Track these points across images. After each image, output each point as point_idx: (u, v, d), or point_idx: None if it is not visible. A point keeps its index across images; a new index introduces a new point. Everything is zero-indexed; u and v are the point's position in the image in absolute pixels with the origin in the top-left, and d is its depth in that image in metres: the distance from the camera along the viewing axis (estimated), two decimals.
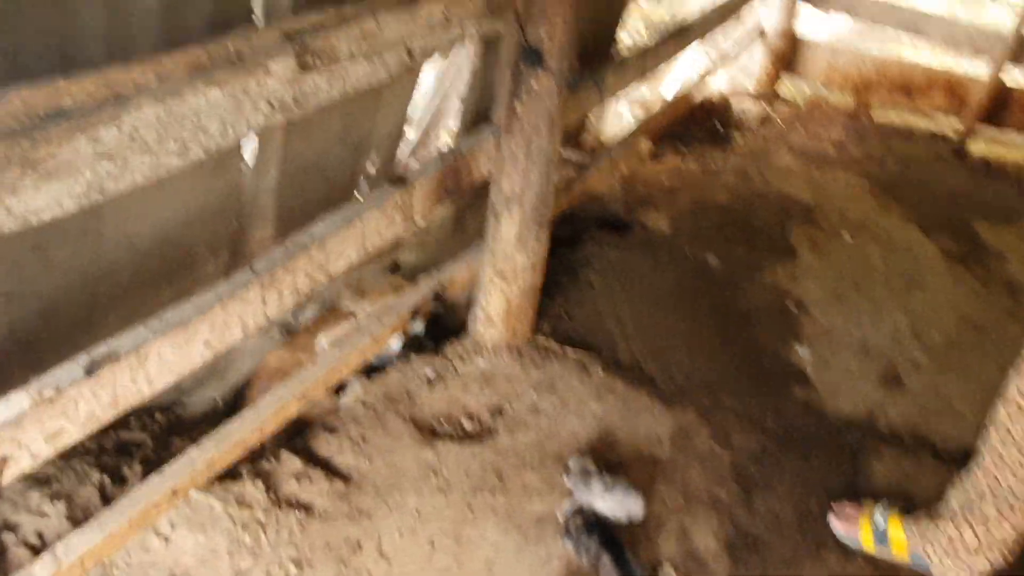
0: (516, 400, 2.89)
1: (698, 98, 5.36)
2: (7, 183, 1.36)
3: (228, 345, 1.96)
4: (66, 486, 2.20)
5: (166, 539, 2.15)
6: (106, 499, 2.22)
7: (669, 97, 5.26)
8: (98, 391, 1.69)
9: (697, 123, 5.30)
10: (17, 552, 2.03)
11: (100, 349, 1.70)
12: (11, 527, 2.09)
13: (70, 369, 1.65)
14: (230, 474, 2.37)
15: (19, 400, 1.57)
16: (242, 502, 2.30)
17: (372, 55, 2.06)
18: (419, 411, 2.82)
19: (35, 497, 2.14)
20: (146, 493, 2.06)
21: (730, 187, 4.45)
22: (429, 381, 2.93)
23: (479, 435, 2.76)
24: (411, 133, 3.74)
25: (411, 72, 2.82)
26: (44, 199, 1.43)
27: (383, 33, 2.06)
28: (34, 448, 1.61)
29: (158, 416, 2.59)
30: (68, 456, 2.29)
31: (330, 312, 3.24)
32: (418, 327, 3.28)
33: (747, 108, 5.43)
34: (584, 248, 3.76)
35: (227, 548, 2.20)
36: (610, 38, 4.09)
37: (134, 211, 2.09)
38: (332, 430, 2.69)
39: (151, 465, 2.27)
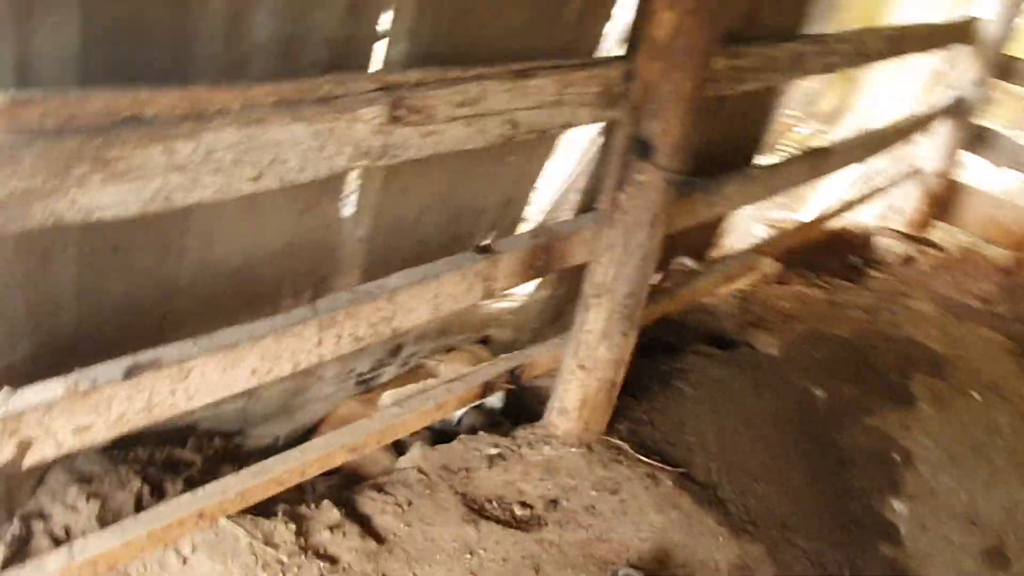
0: (574, 495, 2.77)
1: (838, 227, 5.16)
2: (76, 176, 1.43)
3: (274, 378, 1.97)
4: (105, 488, 2.25)
5: (184, 560, 2.15)
6: (140, 509, 2.25)
7: (806, 220, 5.09)
8: (134, 395, 1.72)
9: (832, 252, 5.09)
10: (41, 542, 2.08)
11: (145, 355, 1.75)
12: (43, 516, 2.15)
13: (110, 369, 1.70)
14: (265, 510, 2.36)
15: (54, 388, 1.62)
16: (269, 540, 2.27)
17: (473, 121, 2.09)
18: (473, 488, 2.75)
19: (73, 492, 2.19)
20: (173, 510, 2.07)
21: (854, 322, 4.21)
22: (491, 459, 2.86)
23: (527, 524, 2.65)
24: (536, 212, 3.76)
25: (533, 150, 2.84)
26: (110, 197, 1.49)
27: (486, 101, 2.08)
28: (60, 437, 1.65)
29: (216, 441, 2.63)
30: (116, 461, 2.34)
31: (412, 372, 3.24)
32: (496, 402, 3.23)
33: (890, 246, 5.18)
34: (683, 358, 3.62)
35: None
36: (746, 156, 4.01)
37: (222, 235, 2.17)
38: (380, 489, 2.64)
39: (194, 486, 2.29)
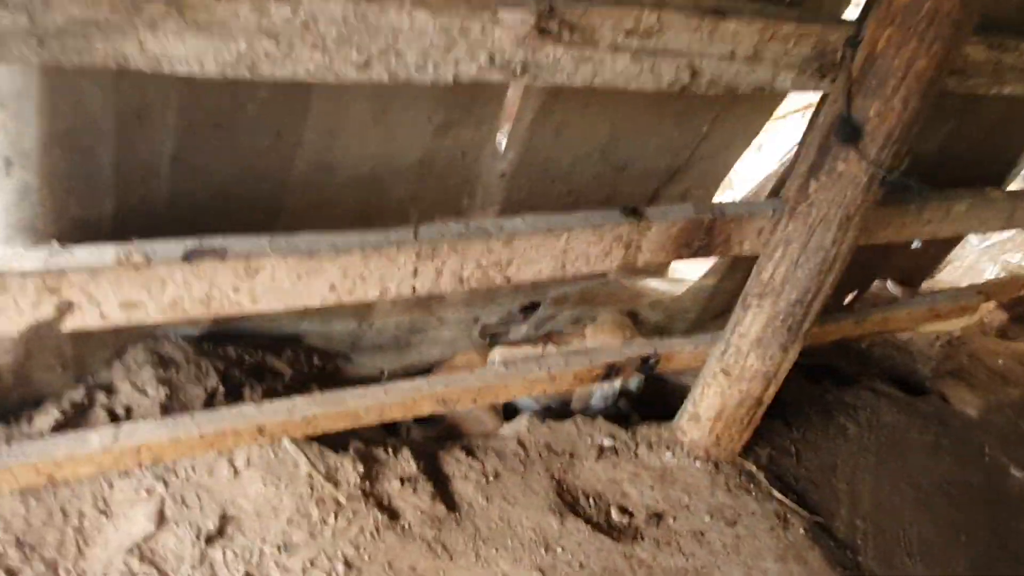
0: (683, 515, 2.41)
1: None
2: (147, 16, 1.25)
3: (356, 300, 1.76)
4: (181, 377, 2.15)
5: (236, 472, 2.01)
6: (210, 407, 2.13)
7: None
8: (191, 281, 1.56)
9: None
10: (98, 414, 2.00)
11: (211, 241, 1.57)
12: (110, 389, 2.07)
13: (170, 247, 1.54)
14: (338, 443, 2.18)
15: (104, 253, 1.48)
16: (332, 476, 2.09)
17: (642, 57, 1.76)
18: (572, 476, 2.45)
19: (147, 374, 2.10)
20: (230, 417, 1.93)
21: None
22: (601, 451, 2.55)
23: (620, 533, 2.33)
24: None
25: (720, 119, 2.45)
26: (184, 49, 1.31)
27: (663, 35, 1.74)
28: (105, 308, 1.51)
29: (316, 359, 2.48)
30: (203, 353, 2.23)
31: (549, 335, 2.97)
32: (634, 384, 2.90)
33: None
34: (856, 392, 3.13)
35: (290, 512, 2.00)
36: (994, 179, 3.37)
37: (345, 136, 1.97)
38: (471, 452, 2.41)
39: (273, 399, 2.14)
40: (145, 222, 1.89)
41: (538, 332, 2.95)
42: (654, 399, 3.08)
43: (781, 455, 2.74)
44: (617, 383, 2.85)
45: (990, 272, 4.51)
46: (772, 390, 2.48)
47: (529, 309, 2.82)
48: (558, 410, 2.86)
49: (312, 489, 2.06)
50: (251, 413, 1.96)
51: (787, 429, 2.83)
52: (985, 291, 3.52)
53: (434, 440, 2.49)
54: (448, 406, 2.22)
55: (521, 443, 2.50)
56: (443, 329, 2.72)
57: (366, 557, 2.00)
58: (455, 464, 2.34)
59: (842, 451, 2.82)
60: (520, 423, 2.59)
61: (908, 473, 2.81)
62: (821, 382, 3.13)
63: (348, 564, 1.97)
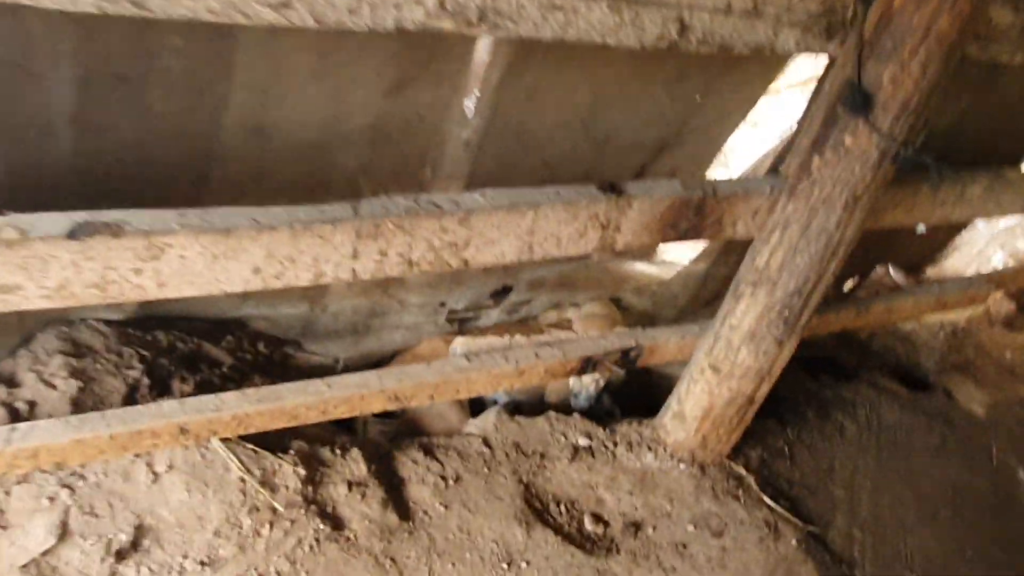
0: (665, 525, 2.19)
1: None
2: None
3: (285, 285, 1.51)
4: (98, 368, 1.90)
5: (156, 477, 1.77)
6: (132, 402, 1.88)
7: None
8: (80, 263, 1.31)
9: None
10: None
11: (105, 215, 1.32)
12: (12, 382, 1.82)
13: (54, 221, 1.29)
14: (278, 443, 1.94)
15: None
16: (267, 481, 1.85)
17: (622, 7, 1.51)
18: (543, 480, 2.22)
19: (57, 363, 1.85)
20: (148, 415, 1.68)
21: None
22: (576, 451, 2.31)
23: (594, 544, 2.10)
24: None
25: (715, 85, 2.20)
26: None
27: None
28: None
29: (261, 346, 2.23)
30: (127, 340, 1.99)
31: (521, 324, 2.73)
32: (618, 375, 2.66)
33: None
34: (856, 388, 2.90)
35: (217, 522, 1.77)
36: (1012, 158, 3.12)
37: (281, 96, 1.71)
38: (429, 452, 2.17)
39: (208, 391, 1.89)
40: (47, 193, 1.63)
41: (512, 318, 2.71)
42: (639, 391, 2.86)
43: (774, 457, 2.51)
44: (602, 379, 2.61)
45: (998, 259, 4.27)
46: (765, 388, 2.25)
47: (501, 293, 2.58)
48: (533, 403, 2.63)
49: (244, 496, 1.82)
50: (172, 411, 1.71)
51: (781, 428, 2.60)
52: (996, 280, 3.28)
53: (391, 438, 2.25)
54: (401, 403, 1.98)
55: (487, 442, 2.26)
56: (405, 314, 2.48)
57: (303, 573, 1.77)
58: (412, 466, 2.11)
59: (840, 453, 2.59)
60: (487, 419, 2.35)
61: (910, 478, 2.58)
62: (818, 376, 2.89)
63: None
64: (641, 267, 2.92)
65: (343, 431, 2.29)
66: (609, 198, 1.79)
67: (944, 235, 3.68)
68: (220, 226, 1.39)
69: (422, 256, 1.63)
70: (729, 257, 2.69)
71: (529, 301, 2.69)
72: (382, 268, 1.60)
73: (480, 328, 2.64)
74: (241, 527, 1.78)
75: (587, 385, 2.61)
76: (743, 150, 4.85)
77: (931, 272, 3.85)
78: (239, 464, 1.83)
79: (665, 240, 1.97)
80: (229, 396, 1.77)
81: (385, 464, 2.08)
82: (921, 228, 2.61)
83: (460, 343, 2.33)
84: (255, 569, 1.74)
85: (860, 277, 3.42)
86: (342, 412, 1.89)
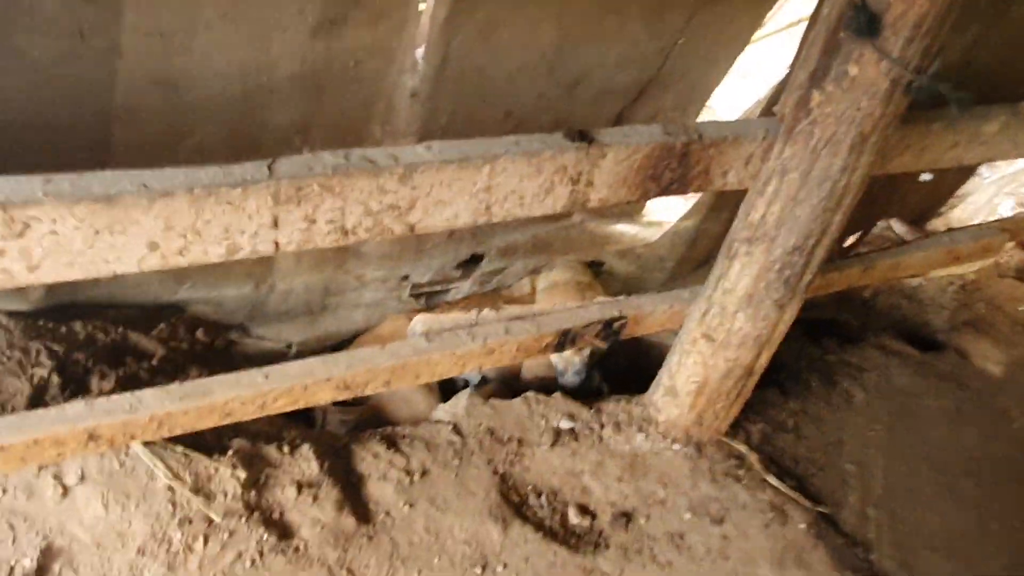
0: (659, 514, 1.97)
1: None
2: None
3: (193, 261, 1.27)
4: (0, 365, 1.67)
5: (65, 491, 1.53)
6: (39, 405, 1.64)
7: None
8: None
9: None
10: None
11: None
12: None
13: None
14: (214, 444, 1.71)
15: None
16: (201, 487, 1.62)
17: None
18: (521, 470, 2.00)
19: None
20: (47, 421, 1.44)
21: None
22: (557, 435, 2.09)
23: (580, 540, 1.88)
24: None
25: (699, 15, 1.94)
26: None
27: None
28: None
29: (201, 333, 1.99)
30: (36, 332, 1.74)
31: (492, 293, 2.49)
32: (601, 346, 2.43)
33: None
34: (862, 352, 2.67)
35: (142, 539, 1.54)
36: None
37: (183, 43, 1.45)
38: (392, 443, 1.94)
39: (134, 387, 1.65)
40: None
41: (484, 290, 2.47)
42: (630, 362, 2.64)
43: (777, 431, 2.28)
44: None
45: (1006, 208, 4.03)
46: (765, 357, 2.02)
47: (471, 263, 2.33)
48: (510, 383, 2.40)
49: (174, 507, 1.59)
50: (78, 414, 1.47)
51: (783, 399, 2.38)
52: (1009, 228, 3.04)
53: (352, 428, 2.02)
54: (353, 392, 1.74)
55: (457, 429, 2.04)
56: (365, 290, 2.24)
57: None
58: (372, 461, 1.88)
59: (849, 424, 2.37)
60: (458, 403, 2.12)
61: (926, 448, 2.37)
62: (820, 340, 2.67)
63: None
64: (624, 228, 2.67)
65: (299, 423, 2.06)
66: (579, 147, 1.55)
67: (950, 183, 3.44)
68: (99, 193, 1.15)
69: (358, 222, 1.39)
70: (721, 212, 2.45)
71: (503, 270, 2.45)
72: (311, 238, 1.36)
73: (449, 303, 2.40)
74: (170, 543, 1.55)
75: (572, 360, 2.38)
76: (732, 104, 4.58)
77: (936, 224, 3.62)
78: (166, 470, 1.60)
79: (646, 195, 1.72)
80: (147, 394, 1.53)
81: (342, 460, 1.85)
82: (926, 175, 2.37)
83: (420, 321, 2.08)
84: None
85: (862, 231, 3.18)
86: (283, 405, 1.65)
